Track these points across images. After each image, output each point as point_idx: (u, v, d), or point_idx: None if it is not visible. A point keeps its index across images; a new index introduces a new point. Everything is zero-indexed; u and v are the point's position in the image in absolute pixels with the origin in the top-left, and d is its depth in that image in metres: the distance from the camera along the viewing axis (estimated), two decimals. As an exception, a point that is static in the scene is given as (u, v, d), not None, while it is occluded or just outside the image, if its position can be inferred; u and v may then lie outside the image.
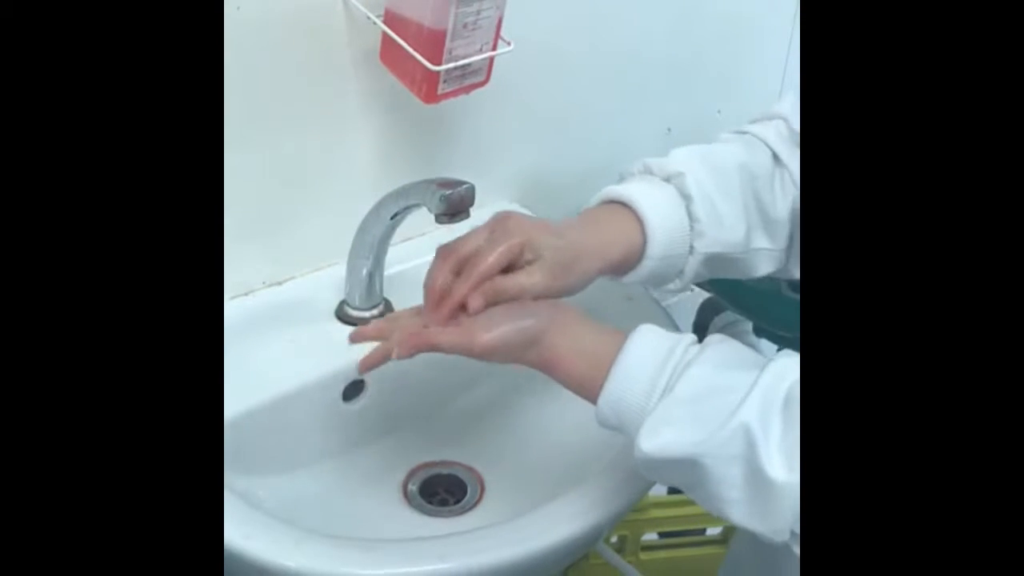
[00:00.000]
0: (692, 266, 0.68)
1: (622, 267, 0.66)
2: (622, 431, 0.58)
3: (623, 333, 0.59)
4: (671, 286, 0.69)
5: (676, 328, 0.82)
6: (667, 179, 0.68)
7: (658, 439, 0.55)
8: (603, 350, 0.59)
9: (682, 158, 0.69)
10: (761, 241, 0.71)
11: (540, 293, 0.62)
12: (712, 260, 0.69)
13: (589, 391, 0.59)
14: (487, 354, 0.60)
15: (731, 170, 0.69)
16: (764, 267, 0.72)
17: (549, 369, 0.61)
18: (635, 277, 0.67)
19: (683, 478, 0.56)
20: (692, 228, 0.67)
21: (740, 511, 0.53)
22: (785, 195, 0.71)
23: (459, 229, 0.88)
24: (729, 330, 1.12)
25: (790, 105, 0.73)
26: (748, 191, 0.70)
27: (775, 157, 0.72)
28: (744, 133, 0.74)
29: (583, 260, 0.64)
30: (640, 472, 0.59)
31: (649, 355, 0.57)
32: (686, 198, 0.67)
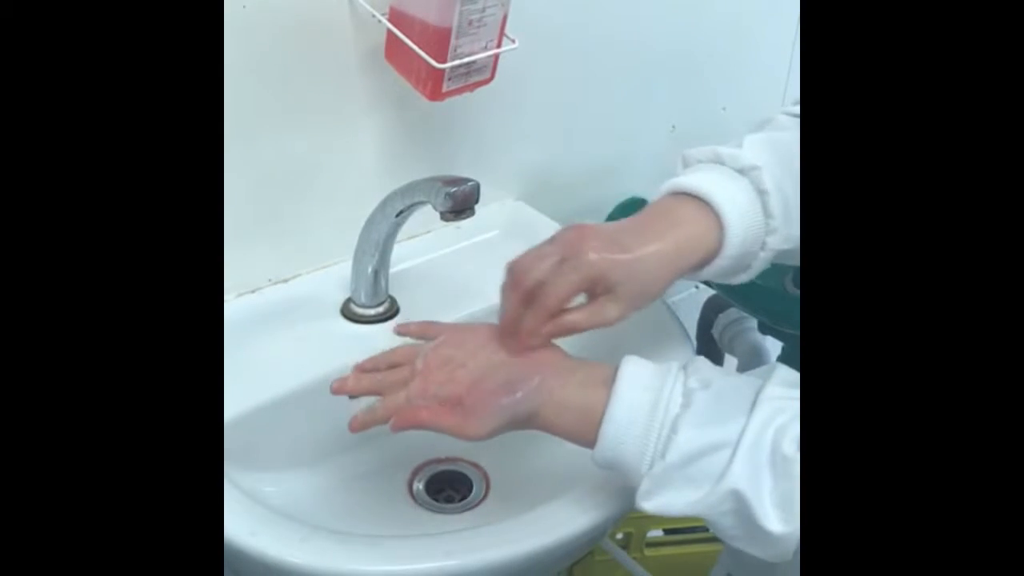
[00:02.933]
0: (761, 262, 0.66)
1: (694, 269, 0.65)
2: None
3: (608, 377, 0.59)
4: (735, 280, 0.68)
5: (680, 326, 0.82)
6: (741, 171, 0.65)
7: (656, 500, 0.56)
8: (590, 405, 0.59)
9: (755, 149, 0.65)
10: None
11: (614, 323, 0.62)
12: (779, 255, 0.67)
13: (585, 443, 0.60)
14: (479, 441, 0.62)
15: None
16: None
17: (545, 430, 0.62)
18: (703, 275, 0.66)
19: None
20: (767, 225, 0.64)
21: (742, 544, 0.56)
22: None
23: (464, 226, 0.88)
24: (733, 328, 1.12)
25: None
26: None
27: None
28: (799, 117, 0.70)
29: (658, 280, 0.63)
30: None
31: (634, 416, 0.57)
32: (762, 193, 0.64)
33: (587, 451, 0.63)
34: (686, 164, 0.67)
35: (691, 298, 1.19)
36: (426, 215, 0.74)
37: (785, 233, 0.65)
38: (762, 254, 0.66)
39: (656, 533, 1.17)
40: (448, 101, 0.76)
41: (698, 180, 0.64)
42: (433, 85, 0.74)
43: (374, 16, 0.74)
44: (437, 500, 0.79)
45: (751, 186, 0.64)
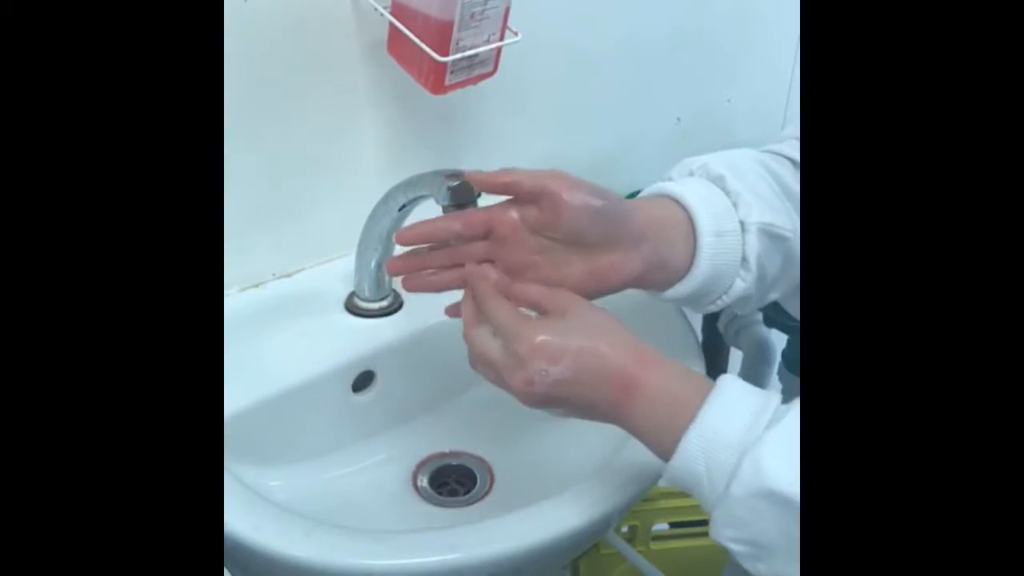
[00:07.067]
0: (753, 247, 0.63)
1: (677, 270, 0.63)
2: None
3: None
4: (741, 282, 0.64)
5: (685, 320, 0.82)
6: (691, 175, 0.66)
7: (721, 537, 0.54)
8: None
9: (696, 159, 0.67)
10: None
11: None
12: (772, 242, 0.64)
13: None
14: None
15: (744, 158, 0.68)
16: None
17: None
18: (697, 276, 0.63)
19: None
20: (735, 204, 0.64)
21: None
22: None
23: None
24: (739, 321, 1.12)
25: (795, 128, 0.71)
26: (769, 175, 0.67)
27: (794, 163, 0.69)
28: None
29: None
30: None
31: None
32: (717, 179, 0.64)
33: (592, 443, 0.63)
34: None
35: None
36: (429, 209, 0.74)
37: (760, 208, 0.64)
38: (747, 236, 0.63)
39: (662, 527, 1.17)
40: (451, 94, 0.75)
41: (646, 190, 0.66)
42: (435, 78, 0.74)
43: (376, 9, 0.73)
44: (441, 494, 0.79)
45: (703, 178, 0.65)
